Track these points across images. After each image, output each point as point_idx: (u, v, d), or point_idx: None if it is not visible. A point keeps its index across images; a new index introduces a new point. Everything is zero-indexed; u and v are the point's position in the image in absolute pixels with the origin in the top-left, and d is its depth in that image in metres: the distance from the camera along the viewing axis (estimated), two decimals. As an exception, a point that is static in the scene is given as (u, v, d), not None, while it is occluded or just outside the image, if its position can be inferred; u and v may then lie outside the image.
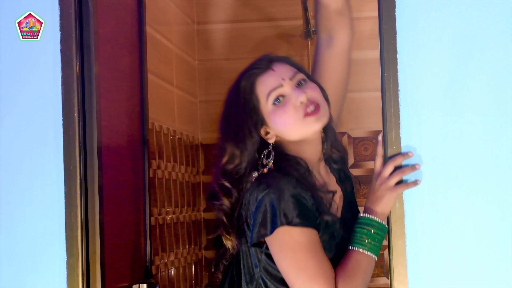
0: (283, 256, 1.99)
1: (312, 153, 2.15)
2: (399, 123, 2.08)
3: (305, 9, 4.02)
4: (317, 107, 2.07)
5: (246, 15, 4.22)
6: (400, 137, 2.07)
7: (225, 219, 2.12)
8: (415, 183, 2.03)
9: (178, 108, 3.83)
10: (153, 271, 3.23)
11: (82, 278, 2.22)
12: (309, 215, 2.00)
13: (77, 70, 2.27)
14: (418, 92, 2.08)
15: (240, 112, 2.10)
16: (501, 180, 2.04)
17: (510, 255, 2.03)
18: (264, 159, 2.11)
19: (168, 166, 3.57)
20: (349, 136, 4.16)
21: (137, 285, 2.69)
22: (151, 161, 3.29)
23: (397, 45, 2.08)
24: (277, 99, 2.08)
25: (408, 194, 2.06)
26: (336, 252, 2.07)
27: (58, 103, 2.25)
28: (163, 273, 3.45)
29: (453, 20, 2.08)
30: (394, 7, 2.08)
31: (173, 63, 3.78)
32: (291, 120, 2.07)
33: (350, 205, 2.22)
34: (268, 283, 2.05)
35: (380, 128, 2.11)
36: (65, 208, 2.23)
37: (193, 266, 3.98)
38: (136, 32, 2.85)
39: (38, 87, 2.26)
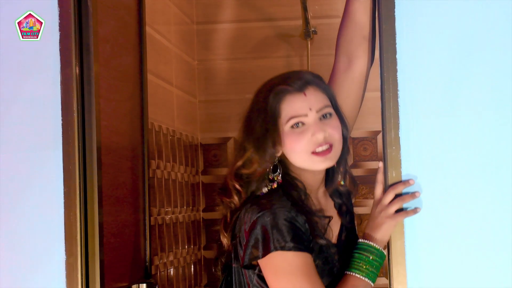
0: (277, 279, 1.99)
1: (312, 180, 2.14)
2: (399, 123, 2.08)
3: (305, 9, 4.02)
4: (329, 148, 2.07)
5: (246, 15, 4.22)
6: (399, 137, 2.07)
7: (229, 216, 2.12)
8: (414, 211, 2.03)
9: (178, 108, 3.83)
10: (153, 271, 3.23)
11: (81, 278, 2.22)
12: (303, 239, 2.00)
13: (76, 70, 2.27)
14: (418, 92, 2.08)
15: (266, 121, 2.08)
16: (501, 179, 2.05)
17: (509, 255, 2.03)
18: (270, 173, 2.10)
19: (168, 166, 3.57)
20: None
21: (137, 285, 2.69)
22: (151, 161, 3.29)
23: (396, 46, 2.08)
24: (297, 124, 2.07)
25: (406, 193, 2.06)
26: (332, 278, 2.07)
27: (57, 103, 2.25)
28: (163, 273, 3.45)
29: (453, 21, 2.08)
30: (394, 7, 2.08)
31: (173, 63, 3.78)
32: (299, 151, 2.07)
33: (348, 234, 2.21)
34: None
35: (380, 128, 2.11)
36: (65, 208, 2.23)
37: (192, 266, 3.98)
38: (136, 32, 2.85)
39: (38, 87, 2.26)
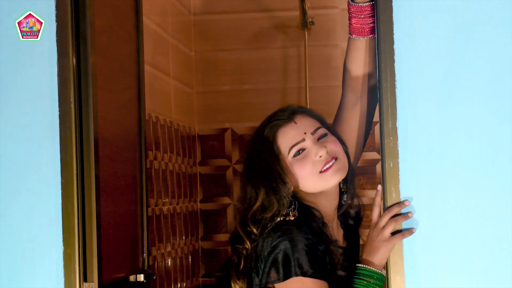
0: None
1: (328, 205, 2.14)
2: (396, 114, 2.07)
3: (302, 0, 4.02)
4: (336, 161, 2.08)
5: (243, 6, 4.22)
6: (397, 127, 2.07)
7: (242, 263, 2.10)
8: (410, 231, 2.04)
9: (175, 99, 3.82)
10: (150, 262, 3.23)
11: (79, 269, 2.22)
12: (323, 267, 2.01)
13: (73, 60, 2.26)
14: (415, 83, 2.08)
15: (268, 160, 2.09)
16: (498, 171, 2.05)
17: (507, 247, 2.04)
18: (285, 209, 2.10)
19: (165, 157, 3.58)
20: (345, 127, 4.17)
21: (134, 275, 2.69)
22: (148, 152, 3.29)
23: (394, 36, 2.08)
24: (298, 152, 2.08)
25: (404, 185, 2.07)
26: None
27: (54, 94, 2.25)
28: (160, 263, 3.45)
29: (450, 11, 2.08)
30: (391, -2, 2.08)
31: (170, 54, 3.77)
32: (308, 175, 2.07)
33: (348, 261, 2.22)
34: None
35: (377, 119, 2.11)
36: (62, 199, 2.23)
37: (190, 257, 3.98)
38: (133, 22, 2.84)
39: (34, 78, 2.26)
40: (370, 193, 4.13)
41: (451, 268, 2.05)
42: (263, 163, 2.10)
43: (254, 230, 2.07)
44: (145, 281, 2.72)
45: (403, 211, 2.05)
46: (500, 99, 2.06)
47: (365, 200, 4.15)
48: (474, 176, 2.05)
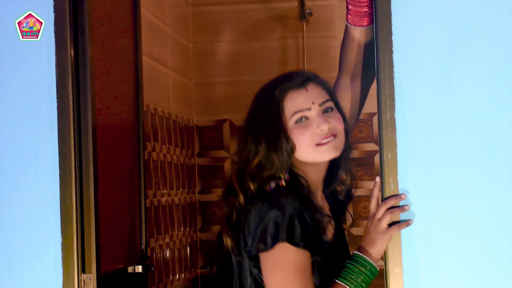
0: (273, 273, 2.00)
1: (316, 176, 2.15)
2: (394, 105, 2.07)
3: (300, -9, 4.01)
4: (334, 138, 2.08)
5: (241, -3, 4.22)
6: (395, 119, 2.07)
7: (235, 216, 2.11)
8: (407, 223, 2.04)
9: (173, 90, 3.82)
10: (148, 253, 3.23)
11: (77, 260, 2.23)
12: (308, 236, 2.01)
13: (71, 52, 2.26)
14: (413, 74, 2.07)
15: (275, 117, 2.09)
16: (497, 162, 2.05)
17: (504, 239, 2.04)
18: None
19: (163, 148, 3.58)
20: (344, 118, 4.17)
21: (132, 266, 2.70)
22: (146, 144, 3.29)
23: (392, 27, 2.08)
24: (300, 119, 2.08)
25: (402, 176, 2.07)
26: (327, 277, 2.09)
27: (52, 85, 2.24)
28: (158, 255, 3.46)
29: (449, 1, 2.07)
30: (389, -11, 2.08)
31: (168, 45, 3.77)
32: (305, 144, 2.08)
33: (339, 235, 2.22)
34: None
35: (375, 110, 2.11)
36: (60, 191, 2.23)
37: (188, 248, 3.99)
38: (131, 14, 2.84)
39: (32, 69, 2.26)
40: (368, 184, 4.13)
41: (449, 260, 2.05)
42: (270, 119, 2.10)
43: (251, 186, 2.08)
44: (143, 272, 2.72)
45: (400, 203, 2.05)
46: (499, 90, 2.06)
47: (363, 192, 4.16)
48: (472, 167, 2.06)
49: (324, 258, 2.07)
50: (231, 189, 2.11)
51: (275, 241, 1.98)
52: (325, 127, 2.07)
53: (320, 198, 2.18)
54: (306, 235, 2.00)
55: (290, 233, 1.98)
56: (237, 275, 2.10)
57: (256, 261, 2.04)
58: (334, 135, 2.08)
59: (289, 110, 2.09)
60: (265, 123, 2.10)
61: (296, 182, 2.10)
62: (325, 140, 2.07)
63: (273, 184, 2.07)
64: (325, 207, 2.20)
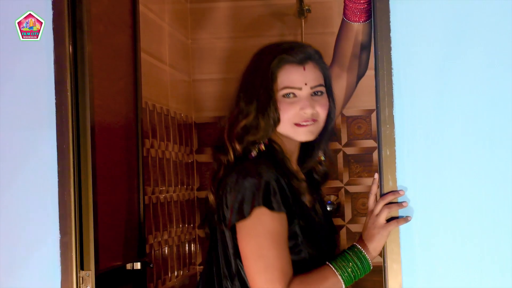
0: (247, 240, 2.02)
1: (290, 145, 2.16)
2: (393, 102, 2.08)
3: (299, -12, 4.01)
4: (313, 123, 2.10)
5: (239, -6, 4.21)
6: (393, 115, 2.07)
7: (222, 171, 2.12)
8: (405, 219, 2.05)
9: (172, 87, 3.82)
10: (147, 250, 3.24)
11: (76, 257, 2.23)
12: (285, 200, 2.03)
13: (69, 49, 2.26)
14: (412, 70, 2.08)
15: (268, 85, 2.10)
16: (495, 158, 2.05)
17: (502, 234, 2.04)
18: None
19: (162, 145, 3.58)
20: (342, 115, 4.17)
21: (131, 263, 2.70)
22: (145, 140, 3.29)
23: (390, 23, 2.08)
24: (288, 94, 2.09)
25: (400, 172, 2.07)
26: (317, 248, 2.09)
27: (50, 82, 2.24)
28: (157, 251, 3.46)
29: (447, -2, 2.08)
30: (388, -15, 2.08)
31: (166, 42, 3.77)
32: (285, 120, 2.09)
33: (321, 208, 2.23)
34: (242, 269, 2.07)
35: (374, 107, 2.11)
36: (59, 187, 2.23)
37: (186, 245, 3.99)
38: (129, 10, 2.84)
39: (31, 66, 2.25)
40: (367, 181, 4.13)
41: (448, 256, 2.05)
42: (264, 84, 2.11)
43: (238, 147, 2.10)
44: (142, 269, 2.73)
45: (399, 200, 2.05)
46: (497, 87, 2.06)
47: (361, 188, 4.16)
48: (470, 163, 2.06)
49: (308, 222, 2.08)
50: (222, 147, 2.13)
51: (252, 207, 1.99)
52: (308, 111, 2.08)
53: (295, 166, 2.18)
54: (283, 199, 2.01)
55: (267, 197, 1.99)
56: (220, 241, 2.11)
57: (235, 233, 2.05)
58: (314, 120, 2.09)
59: (281, 83, 2.09)
60: (259, 86, 2.11)
61: (272, 148, 2.11)
62: (304, 123, 2.08)
63: (254, 153, 2.09)
64: (300, 174, 2.21)
